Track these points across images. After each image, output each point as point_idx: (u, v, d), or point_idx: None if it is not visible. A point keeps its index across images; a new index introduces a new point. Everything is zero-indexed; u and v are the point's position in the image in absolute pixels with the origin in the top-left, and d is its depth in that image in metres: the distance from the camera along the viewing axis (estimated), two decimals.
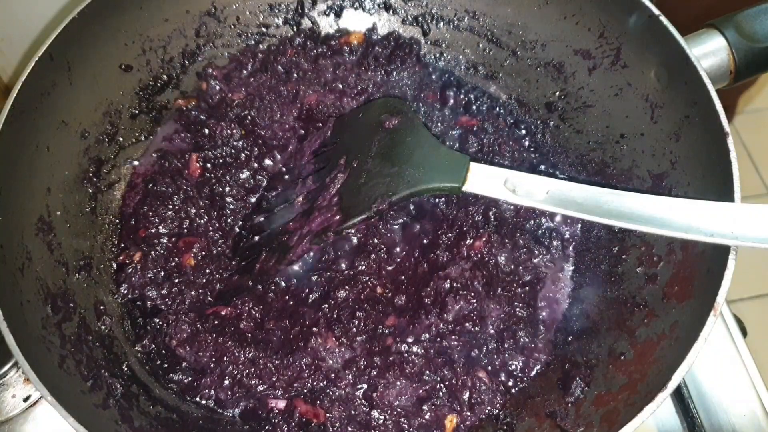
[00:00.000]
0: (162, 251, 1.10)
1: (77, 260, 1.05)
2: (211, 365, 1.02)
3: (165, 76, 1.23)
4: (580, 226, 1.14)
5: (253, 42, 1.28)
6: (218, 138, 1.18)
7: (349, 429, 0.98)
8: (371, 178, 1.02)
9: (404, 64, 1.26)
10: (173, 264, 1.10)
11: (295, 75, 1.25)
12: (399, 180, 0.99)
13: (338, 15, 1.30)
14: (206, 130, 1.19)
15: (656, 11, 0.99)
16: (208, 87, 1.24)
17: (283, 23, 1.29)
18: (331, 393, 1.00)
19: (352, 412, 0.99)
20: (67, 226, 1.06)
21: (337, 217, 1.02)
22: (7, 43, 1.29)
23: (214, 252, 1.12)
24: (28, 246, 0.96)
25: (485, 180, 0.95)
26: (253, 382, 1.01)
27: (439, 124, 1.24)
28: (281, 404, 1.01)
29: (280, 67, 1.25)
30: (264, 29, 1.28)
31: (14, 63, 1.31)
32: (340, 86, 1.25)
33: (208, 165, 1.18)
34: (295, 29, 1.29)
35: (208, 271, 1.10)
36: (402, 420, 0.98)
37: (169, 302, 1.08)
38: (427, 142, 1.02)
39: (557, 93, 1.21)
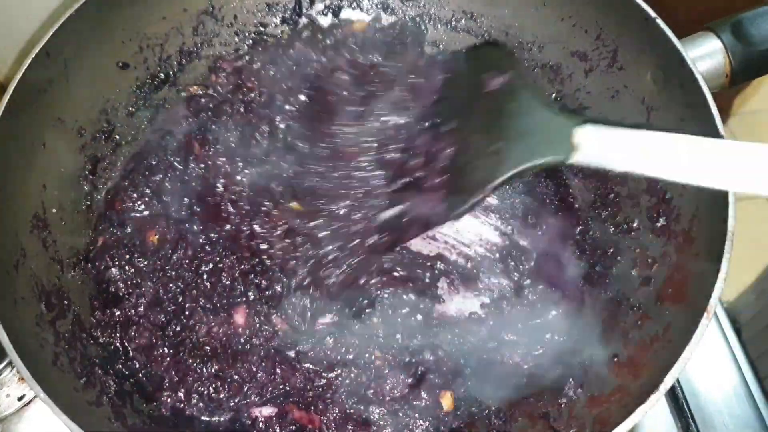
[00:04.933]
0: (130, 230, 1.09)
1: (72, 257, 1.05)
2: (173, 379, 1.00)
3: (162, 74, 1.22)
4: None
5: (251, 41, 1.28)
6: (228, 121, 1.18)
7: (349, 428, 0.98)
8: (475, 157, 0.90)
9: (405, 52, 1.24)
10: (137, 243, 1.08)
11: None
12: (501, 159, 0.85)
13: (336, 15, 1.30)
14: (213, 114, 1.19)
15: (653, 14, 0.99)
16: (218, 78, 1.24)
17: (281, 22, 1.29)
18: (323, 396, 0.98)
19: (348, 411, 0.99)
20: (63, 224, 1.06)
21: (442, 207, 0.91)
22: (2, 40, 1.28)
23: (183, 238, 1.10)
24: (22, 243, 0.96)
25: (603, 148, 0.76)
26: (222, 396, 0.98)
27: None
28: (266, 411, 0.98)
29: (289, 60, 1.24)
30: (262, 28, 1.28)
31: (10, 60, 1.31)
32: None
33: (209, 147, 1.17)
34: (292, 28, 1.30)
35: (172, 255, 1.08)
36: (398, 409, 0.98)
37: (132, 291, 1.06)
38: (529, 106, 0.87)
39: (554, 95, 1.21)
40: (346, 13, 1.30)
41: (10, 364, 1.06)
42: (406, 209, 0.96)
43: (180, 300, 1.05)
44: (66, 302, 0.99)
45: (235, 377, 0.99)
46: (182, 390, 0.98)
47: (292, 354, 1.02)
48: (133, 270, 1.07)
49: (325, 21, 1.30)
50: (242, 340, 1.03)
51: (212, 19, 1.25)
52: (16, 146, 0.98)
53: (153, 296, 1.05)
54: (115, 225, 1.10)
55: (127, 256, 1.07)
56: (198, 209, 1.13)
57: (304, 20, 1.29)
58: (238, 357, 1.00)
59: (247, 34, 1.28)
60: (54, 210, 1.04)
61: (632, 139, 0.75)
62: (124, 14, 1.13)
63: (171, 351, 1.01)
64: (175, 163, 1.15)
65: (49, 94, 1.03)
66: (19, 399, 1.06)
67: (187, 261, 1.08)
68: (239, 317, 1.04)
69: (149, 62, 1.20)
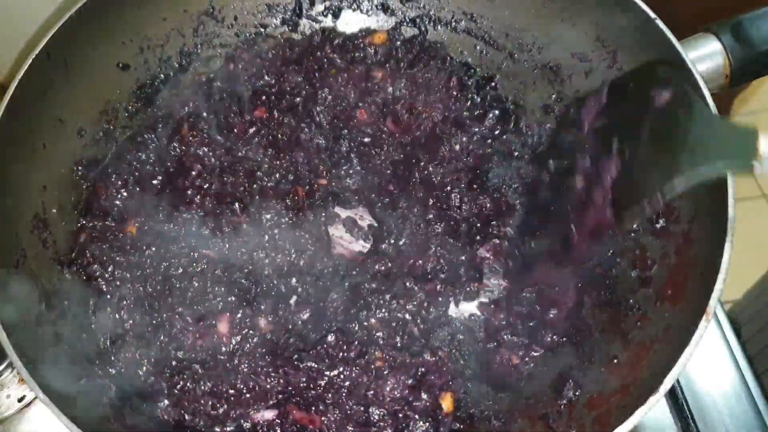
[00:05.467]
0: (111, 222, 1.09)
1: (72, 257, 1.05)
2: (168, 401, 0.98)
3: (162, 75, 1.23)
4: None
5: (251, 42, 1.28)
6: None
7: (350, 428, 0.97)
8: (643, 169, 0.88)
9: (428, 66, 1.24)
10: (118, 236, 1.08)
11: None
12: (673, 168, 0.82)
13: (336, 16, 1.30)
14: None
15: (652, 15, 0.99)
16: (236, 68, 1.24)
17: (281, 24, 1.29)
18: (323, 397, 0.98)
19: (349, 412, 0.98)
20: (63, 224, 1.06)
21: (609, 216, 0.91)
22: (3, 40, 1.28)
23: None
24: (23, 243, 0.96)
25: None
26: (221, 411, 0.97)
27: None
28: (269, 414, 0.98)
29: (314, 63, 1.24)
30: (262, 29, 1.28)
31: (10, 61, 1.31)
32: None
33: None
34: (290, 28, 1.30)
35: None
36: (399, 410, 0.97)
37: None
38: (702, 116, 0.86)
39: (554, 96, 1.21)
40: (345, 15, 1.30)
41: (10, 365, 1.05)
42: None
43: (158, 304, 1.04)
44: (66, 302, 0.99)
45: (231, 391, 0.97)
46: (179, 410, 0.97)
47: (289, 354, 1.01)
48: (112, 266, 1.05)
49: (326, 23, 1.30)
50: (230, 348, 1.02)
51: (213, 20, 1.25)
52: (17, 147, 0.98)
53: (133, 296, 1.04)
54: (98, 216, 1.09)
55: (108, 251, 1.06)
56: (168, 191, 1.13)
57: (304, 22, 1.29)
58: (230, 368, 1.00)
59: (247, 35, 1.28)
60: (54, 210, 1.05)
61: None
62: (125, 15, 1.13)
63: (159, 370, 0.99)
64: (157, 142, 1.15)
65: (50, 95, 1.04)
66: (20, 400, 1.05)
67: (165, 263, 1.07)
68: (222, 326, 1.03)
69: (150, 63, 1.20)
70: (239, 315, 1.03)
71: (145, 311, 1.03)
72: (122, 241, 1.08)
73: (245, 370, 0.99)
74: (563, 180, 1.03)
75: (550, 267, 1.05)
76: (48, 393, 0.79)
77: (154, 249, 1.07)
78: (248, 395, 0.98)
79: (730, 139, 0.82)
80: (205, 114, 1.19)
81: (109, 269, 1.05)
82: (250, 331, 1.03)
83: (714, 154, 0.81)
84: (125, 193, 1.11)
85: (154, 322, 1.03)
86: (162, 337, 1.01)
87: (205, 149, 1.16)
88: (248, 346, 1.02)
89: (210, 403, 0.96)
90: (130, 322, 1.02)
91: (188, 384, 0.97)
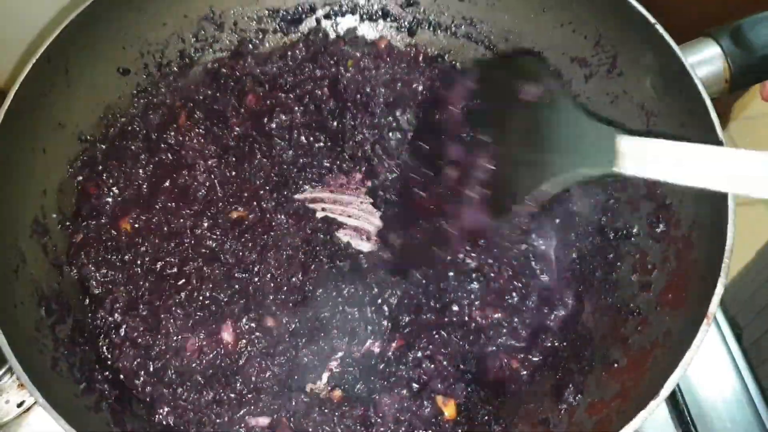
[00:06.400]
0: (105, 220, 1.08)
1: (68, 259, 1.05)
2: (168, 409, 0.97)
3: (163, 81, 1.23)
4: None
5: (250, 46, 1.28)
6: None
7: None
8: (515, 168, 0.87)
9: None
10: (112, 234, 1.07)
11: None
12: (545, 171, 0.82)
13: (336, 21, 1.30)
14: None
15: (652, 20, 0.99)
16: (245, 64, 1.24)
17: (281, 29, 1.29)
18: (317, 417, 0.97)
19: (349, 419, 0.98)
20: (62, 229, 1.06)
21: (485, 218, 0.89)
22: (3, 45, 1.29)
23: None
24: (22, 248, 0.96)
25: (646, 159, 0.76)
26: (225, 418, 0.96)
27: None
28: (263, 421, 0.97)
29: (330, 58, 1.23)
30: (261, 35, 1.28)
31: (11, 66, 1.31)
32: None
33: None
34: (290, 33, 1.30)
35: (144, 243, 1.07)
36: (401, 418, 0.97)
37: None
38: (570, 117, 0.85)
39: None
40: (346, 20, 1.30)
41: (9, 370, 1.05)
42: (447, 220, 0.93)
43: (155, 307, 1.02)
44: (66, 307, 0.99)
45: (232, 395, 0.97)
46: (180, 419, 0.96)
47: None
48: (106, 267, 1.04)
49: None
50: (235, 357, 1.01)
51: (213, 25, 1.25)
52: (17, 151, 0.98)
53: (127, 299, 1.03)
54: (91, 216, 1.08)
55: (102, 252, 1.05)
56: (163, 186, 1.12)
57: (304, 27, 1.30)
58: (233, 375, 0.99)
59: (247, 39, 1.28)
60: (54, 215, 1.05)
61: (676, 151, 0.75)
62: (125, 20, 1.13)
63: (158, 378, 0.98)
64: (152, 135, 1.15)
65: (50, 100, 1.04)
66: (19, 405, 1.05)
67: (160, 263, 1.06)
68: (227, 335, 1.02)
69: (150, 68, 1.20)
70: (244, 319, 1.03)
71: (140, 315, 1.02)
72: (116, 239, 1.07)
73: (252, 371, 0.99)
74: (435, 167, 0.97)
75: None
76: (47, 398, 0.79)
77: (148, 245, 1.06)
78: (249, 396, 0.98)
79: (593, 141, 0.80)
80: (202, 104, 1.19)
81: (102, 270, 1.04)
82: (256, 333, 1.02)
83: (578, 159, 0.79)
84: (116, 190, 1.11)
85: (151, 325, 1.02)
86: (161, 346, 1.01)
87: (201, 140, 1.15)
88: (254, 349, 1.02)
89: (213, 413, 0.96)
90: (124, 326, 1.01)
91: (192, 395, 0.97)
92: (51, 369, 0.89)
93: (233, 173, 1.15)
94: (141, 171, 1.12)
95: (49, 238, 1.02)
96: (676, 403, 1.11)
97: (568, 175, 0.81)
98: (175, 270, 1.06)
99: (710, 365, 1.13)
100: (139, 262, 1.06)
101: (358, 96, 1.20)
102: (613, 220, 1.10)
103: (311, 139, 1.22)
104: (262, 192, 1.15)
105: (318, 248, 1.12)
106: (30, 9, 1.25)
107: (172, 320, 1.01)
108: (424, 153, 1.03)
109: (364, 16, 1.30)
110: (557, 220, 1.13)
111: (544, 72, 0.93)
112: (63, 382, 0.89)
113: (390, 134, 1.18)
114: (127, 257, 1.06)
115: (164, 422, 0.95)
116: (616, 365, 0.94)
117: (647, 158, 0.76)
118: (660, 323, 0.92)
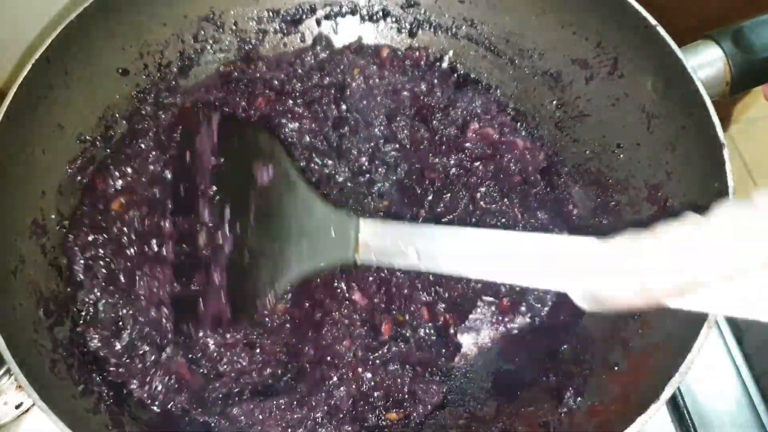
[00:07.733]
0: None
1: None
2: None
3: (162, 81, 1.22)
4: None
5: (250, 47, 1.28)
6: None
7: None
8: (254, 258, 0.82)
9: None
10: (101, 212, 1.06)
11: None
12: (282, 263, 0.79)
13: (336, 22, 1.30)
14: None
15: (653, 21, 0.99)
16: (256, 69, 1.24)
17: (282, 29, 1.29)
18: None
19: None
20: (61, 230, 1.05)
21: (227, 312, 0.83)
22: (2, 46, 1.29)
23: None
24: (21, 249, 0.96)
25: (383, 245, 0.74)
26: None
27: None
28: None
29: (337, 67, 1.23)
30: (262, 35, 1.28)
31: (10, 66, 1.31)
32: None
33: None
34: (290, 34, 1.30)
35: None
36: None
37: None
38: (305, 202, 0.81)
39: (554, 102, 1.21)
40: (346, 21, 1.30)
41: (8, 371, 1.05)
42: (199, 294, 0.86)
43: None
44: (64, 309, 0.99)
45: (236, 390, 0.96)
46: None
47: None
48: (93, 249, 1.03)
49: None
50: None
51: (213, 26, 1.25)
52: (16, 152, 0.98)
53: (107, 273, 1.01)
54: (86, 205, 1.07)
55: (91, 232, 1.04)
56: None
57: (304, 28, 1.29)
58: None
59: (247, 40, 1.28)
60: (53, 216, 1.04)
61: (414, 233, 0.74)
62: (125, 20, 1.13)
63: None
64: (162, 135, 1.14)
65: (49, 101, 1.03)
66: (17, 407, 1.05)
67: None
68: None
69: (149, 69, 1.20)
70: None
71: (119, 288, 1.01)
72: (106, 219, 1.05)
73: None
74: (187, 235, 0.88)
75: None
76: (46, 400, 0.78)
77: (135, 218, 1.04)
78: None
79: (332, 229, 0.77)
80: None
81: (90, 252, 1.03)
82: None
83: (318, 249, 0.76)
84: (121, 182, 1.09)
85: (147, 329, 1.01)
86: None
87: None
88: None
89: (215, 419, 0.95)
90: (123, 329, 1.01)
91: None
92: (49, 371, 0.89)
93: None
94: (151, 167, 1.12)
95: (47, 239, 1.02)
96: (677, 406, 1.11)
97: (307, 269, 0.78)
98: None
99: (711, 368, 1.13)
100: (125, 230, 1.03)
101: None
102: (614, 223, 1.09)
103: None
104: None
105: None
106: (30, 9, 1.25)
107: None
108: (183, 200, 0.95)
109: (365, 17, 1.30)
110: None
111: (278, 152, 0.85)
112: (61, 384, 0.89)
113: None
114: (114, 229, 1.04)
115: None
116: (616, 368, 0.94)
117: (388, 243, 0.73)
118: (661, 326, 0.92)
